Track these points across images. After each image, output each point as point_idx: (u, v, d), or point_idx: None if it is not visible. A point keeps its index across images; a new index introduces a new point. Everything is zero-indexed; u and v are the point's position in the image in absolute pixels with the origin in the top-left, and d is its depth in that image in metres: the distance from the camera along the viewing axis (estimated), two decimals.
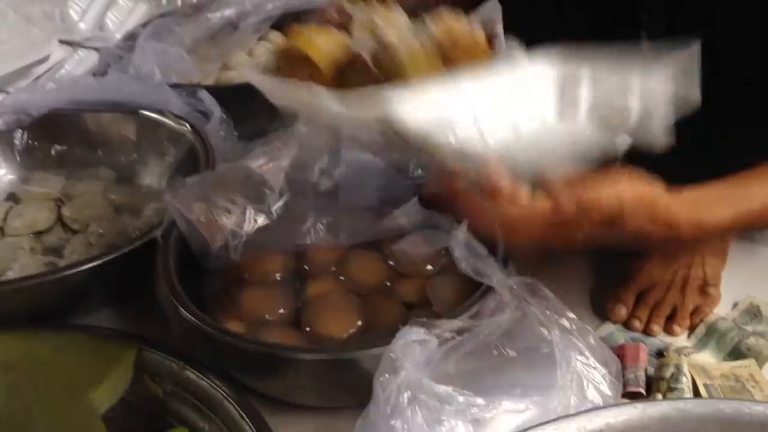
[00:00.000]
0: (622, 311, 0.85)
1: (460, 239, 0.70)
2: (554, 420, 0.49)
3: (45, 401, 0.70)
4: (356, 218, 0.85)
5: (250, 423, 0.65)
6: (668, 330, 0.83)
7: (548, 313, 0.66)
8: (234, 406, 0.67)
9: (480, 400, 0.59)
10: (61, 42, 1.20)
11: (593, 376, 0.64)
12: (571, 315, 0.66)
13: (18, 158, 1.03)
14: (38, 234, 0.95)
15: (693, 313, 0.85)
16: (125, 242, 0.84)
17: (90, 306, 0.86)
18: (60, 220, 0.97)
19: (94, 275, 0.80)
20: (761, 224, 0.73)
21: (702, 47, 0.62)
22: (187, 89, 1.04)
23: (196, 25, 1.17)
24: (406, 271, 0.82)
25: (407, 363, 0.55)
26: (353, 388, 0.66)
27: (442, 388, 0.57)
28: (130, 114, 1.03)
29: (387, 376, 0.57)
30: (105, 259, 0.80)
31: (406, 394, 0.56)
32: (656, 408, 0.49)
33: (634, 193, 0.64)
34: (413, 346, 0.56)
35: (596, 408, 0.58)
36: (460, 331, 0.64)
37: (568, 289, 0.88)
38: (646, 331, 0.84)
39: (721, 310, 0.85)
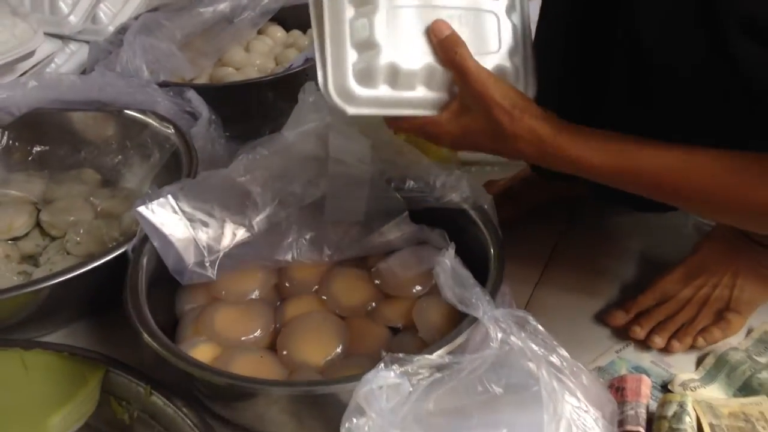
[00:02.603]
0: (619, 316, 0.80)
1: (445, 266, 0.65)
2: None
3: (6, 426, 0.67)
4: (342, 233, 0.80)
5: None
6: (667, 346, 0.78)
7: (536, 348, 0.60)
8: None
9: None
10: (50, 35, 1.15)
11: (584, 420, 0.59)
12: (563, 352, 0.60)
13: None
14: (15, 240, 0.92)
15: (700, 332, 0.79)
16: (101, 253, 0.80)
17: (61, 319, 0.82)
18: (38, 225, 0.93)
19: (65, 289, 0.76)
20: (642, 190, 0.66)
21: None
22: (175, 89, 0.99)
23: (189, 19, 1.12)
24: (393, 292, 0.77)
25: (372, 412, 0.50)
26: (326, 420, 0.62)
27: None
28: (114, 114, 0.98)
29: (354, 421, 0.52)
30: (75, 273, 0.76)
31: None
32: None
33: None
34: (379, 393, 0.51)
35: None
36: (439, 368, 0.59)
37: (570, 314, 0.83)
38: (647, 342, 0.78)
39: (735, 339, 0.79)
